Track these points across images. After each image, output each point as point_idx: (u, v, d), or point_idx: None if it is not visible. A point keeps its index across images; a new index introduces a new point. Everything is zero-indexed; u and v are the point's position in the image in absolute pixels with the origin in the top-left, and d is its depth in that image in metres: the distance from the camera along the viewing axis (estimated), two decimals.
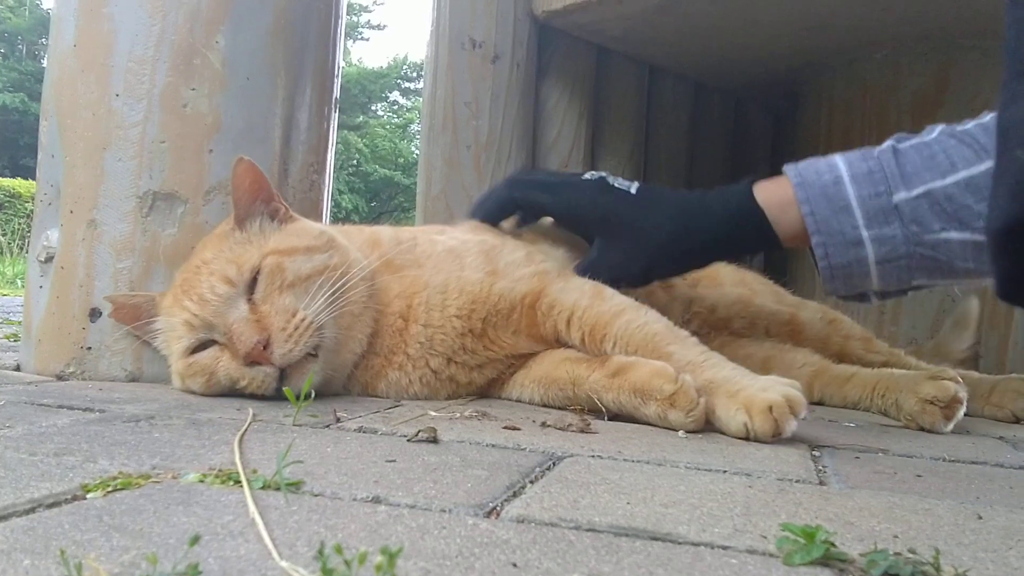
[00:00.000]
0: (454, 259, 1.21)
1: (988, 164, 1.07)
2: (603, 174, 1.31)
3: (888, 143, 1.16)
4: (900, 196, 1.10)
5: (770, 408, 0.94)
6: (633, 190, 1.26)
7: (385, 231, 1.31)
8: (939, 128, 1.15)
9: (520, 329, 1.21)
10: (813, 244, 1.14)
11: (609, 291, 1.20)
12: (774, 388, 0.97)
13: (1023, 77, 0.55)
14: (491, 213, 1.38)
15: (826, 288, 1.19)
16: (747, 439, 0.96)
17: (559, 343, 1.21)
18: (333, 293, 1.06)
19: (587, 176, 1.31)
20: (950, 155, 1.10)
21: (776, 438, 0.94)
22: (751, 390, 0.98)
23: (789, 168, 1.18)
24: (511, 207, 1.37)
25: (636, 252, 1.24)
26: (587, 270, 1.25)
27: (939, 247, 1.10)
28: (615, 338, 1.13)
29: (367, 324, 1.15)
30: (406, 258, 1.22)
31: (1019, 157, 0.53)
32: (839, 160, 1.16)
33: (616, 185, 1.27)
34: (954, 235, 1.08)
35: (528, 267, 1.23)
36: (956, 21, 2.11)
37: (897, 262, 1.12)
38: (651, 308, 1.18)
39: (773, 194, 1.18)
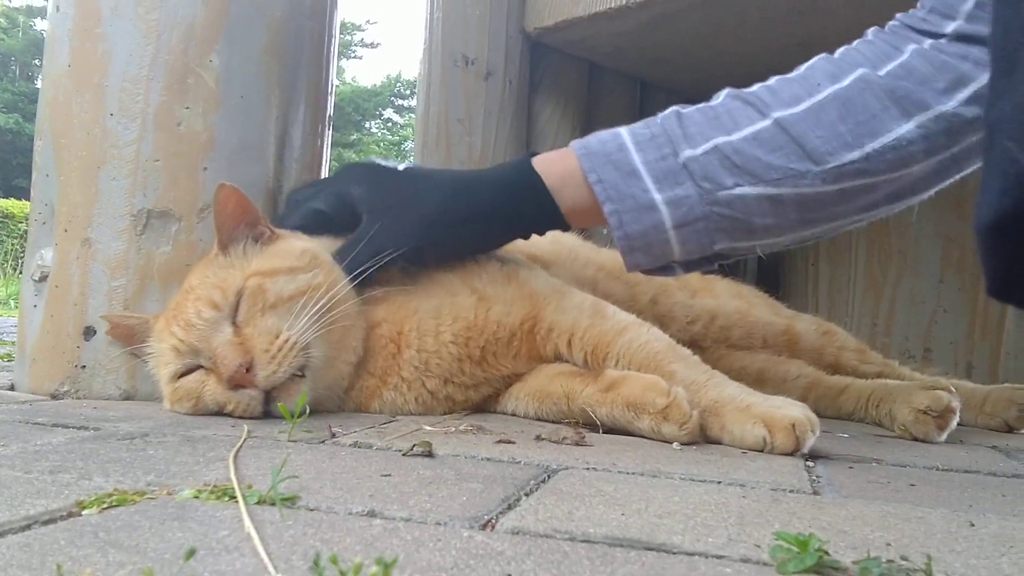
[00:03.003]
0: (443, 288, 1.19)
1: (773, 117, 1.07)
2: (372, 158, 1.26)
3: (671, 109, 1.14)
4: (686, 154, 1.08)
5: (792, 425, 0.95)
6: (401, 167, 1.20)
7: None
8: (724, 92, 1.14)
9: (520, 353, 1.20)
10: (606, 213, 1.10)
11: (610, 309, 1.20)
12: (790, 406, 0.99)
13: (1009, 74, 0.56)
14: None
15: (627, 263, 1.14)
16: (760, 451, 0.96)
17: (559, 360, 1.21)
18: (318, 311, 1.05)
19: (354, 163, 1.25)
20: (734, 115, 1.09)
21: (794, 454, 0.95)
22: (764, 406, 0.99)
23: (574, 142, 1.14)
24: (294, 223, 1.23)
25: (404, 224, 1.14)
26: (350, 246, 1.15)
27: (734, 204, 1.07)
28: (617, 356, 1.13)
29: (358, 338, 1.14)
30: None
31: (1008, 149, 0.53)
32: (622, 129, 1.13)
33: (383, 164, 1.21)
34: (748, 190, 1.06)
35: (510, 283, 1.21)
36: None
37: (695, 224, 1.08)
38: (653, 326, 1.18)
39: (554, 164, 1.13)
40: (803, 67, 1.13)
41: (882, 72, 1.06)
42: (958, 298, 2.23)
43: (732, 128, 1.08)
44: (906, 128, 1.04)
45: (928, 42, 1.07)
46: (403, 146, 24.83)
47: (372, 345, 1.16)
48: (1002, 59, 0.58)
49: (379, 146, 24.88)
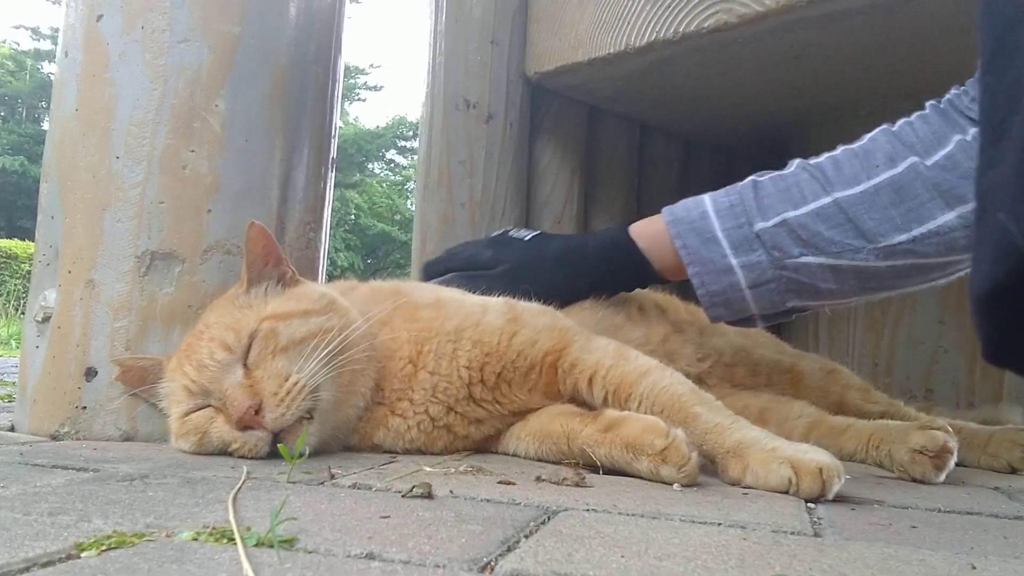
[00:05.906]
0: (478, 303, 1.24)
1: (833, 196, 1.23)
2: (506, 229, 1.47)
3: (750, 177, 1.30)
4: (759, 225, 1.25)
5: (820, 469, 0.95)
6: (528, 238, 1.42)
7: (411, 286, 1.38)
8: (796, 162, 1.29)
9: (537, 387, 1.21)
10: (690, 274, 1.29)
11: (633, 352, 1.21)
12: (816, 451, 0.99)
13: (999, 143, 0.56)
14: None
15: (709, 316, 1.33)
16: (785, 493, 0.96)
17: (575, 401, 1.21)
18: (328, 355, 1.06)
19: (492, 234, 1.50)
20: (802, 188, 1.25)
21: (819, 499, 0.94)
22: (791, 450, 1.00)
23: (664, 209, 1.33)
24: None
25: (519, 277, 1.37)
26: (464, 278, 1.38)
27: (801, 270, 1.24)
28: (640, 398, 1.13)
29: (370, 378, 1.15)
30: (426, 299, 1.24)
31: (1000, 221, 0.53)
32: (706, 197, 1.31)
33: (513, 235, 1.44)
34: (811, 259, 1.23)
35: (546, 315, 1.25)
36: (936, 79, 2.16)
37: (767, 285, 1.26)
38: (675, 371, 1.19)
39: (646, 228, 1.35)
40: (866, 138, 1.27)
41: (929, 163, 1.19)
42: (958, 338, 2.23)
43: (799, 202, 1.24)
44: (949, 217, 1.18)
45: (972, 132, 1.18)
46: (406, 187, 25.00)
47: (390, 368, 1.17)
48: (990, 128, 0.58)
49: (382, 187, 25.05)
